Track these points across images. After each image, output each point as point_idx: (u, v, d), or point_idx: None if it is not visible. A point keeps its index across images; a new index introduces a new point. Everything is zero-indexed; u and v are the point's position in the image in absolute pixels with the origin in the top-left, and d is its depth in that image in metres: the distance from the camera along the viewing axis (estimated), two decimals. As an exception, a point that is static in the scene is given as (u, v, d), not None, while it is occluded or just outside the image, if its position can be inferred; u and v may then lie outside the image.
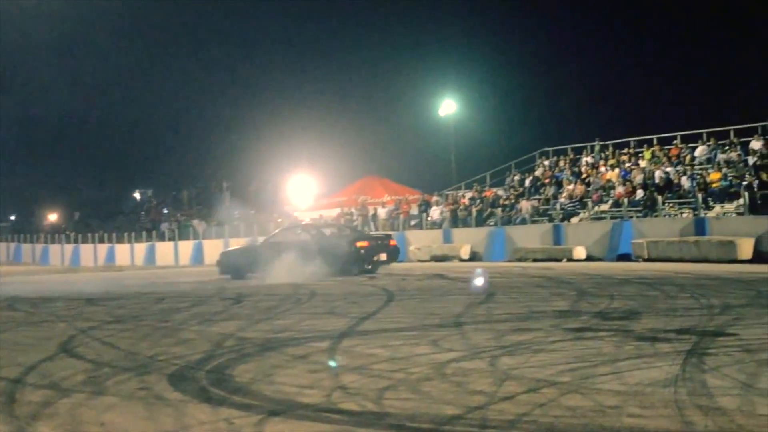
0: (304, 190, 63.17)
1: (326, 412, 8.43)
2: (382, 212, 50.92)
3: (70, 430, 8.08)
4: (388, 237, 34.75)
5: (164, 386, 9.94)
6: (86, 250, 56.39)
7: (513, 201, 47.32)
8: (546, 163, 52.27)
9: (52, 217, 78.11)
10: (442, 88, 62.62)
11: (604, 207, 43.11)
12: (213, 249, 49.10)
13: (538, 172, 51.39)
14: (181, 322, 16.71)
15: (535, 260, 37.81)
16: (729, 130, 44.67)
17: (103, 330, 15.89)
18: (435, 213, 47.99)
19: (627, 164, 46.96)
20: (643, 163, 46.14)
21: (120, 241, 55.10)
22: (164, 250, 52.09)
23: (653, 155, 46.70)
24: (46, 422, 8.40)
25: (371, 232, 39.59)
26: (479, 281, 23.47)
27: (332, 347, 12.60)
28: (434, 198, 51.26)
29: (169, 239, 53.77)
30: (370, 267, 31.48)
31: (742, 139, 43.36)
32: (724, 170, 40.76)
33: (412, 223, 48.16)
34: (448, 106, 61.00)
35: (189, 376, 10.52)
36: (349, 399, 8.97)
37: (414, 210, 50.45)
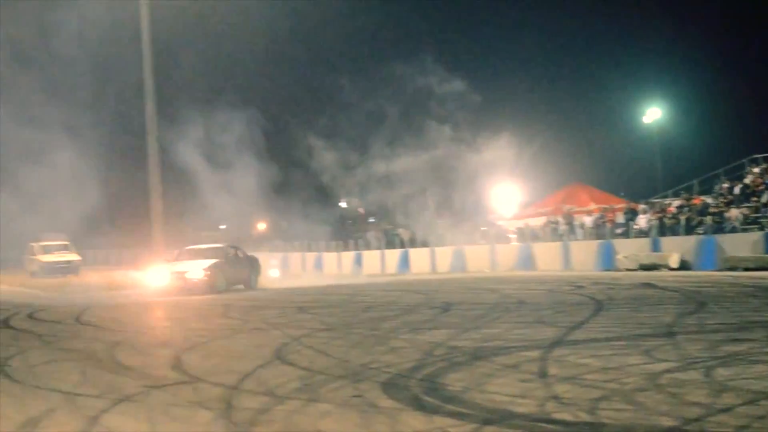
0: (508, 198, 62.95)
1: (540, 422, 8.40)
2: (587, 221, 50.36)
3: (288, 437, 8.24)
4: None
5: (377, 394, 10.05)
6: (294, 258, 57.39)
7: (722, 209, 46.16)
8: (756, 170, 50.78)
9: (261, 226, 79.70)
10: (647, 95, 61.71)
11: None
12: (419, 257, 49.45)
13: (747, 180, 49.96)
14: (391, 330, 16.86)
15: (746, 269, 36.77)
16: None
17: (314, 337, 16.15)
18: (642, 221, 47.17)
19: None
20: None
21: (328, 249, 55.92)
22: (371, 258, 52.61)
23: None
24: (264, 428, 8.59)
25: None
26: None
27: (543, 357, 12.52)
28: (641, 206, 50.40)
29: (376, 248, 54.29)
30: None
31: None
32: None
33: (618, 231, 47.50)
34: (653, 113, 59.98)
35: (401, 385, 10.61)
36: (562, 409, 8.92)
37: (620, 218, 49.73)
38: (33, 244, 55.05)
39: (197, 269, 33.45)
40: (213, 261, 34.24)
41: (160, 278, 34.19)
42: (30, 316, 23.79)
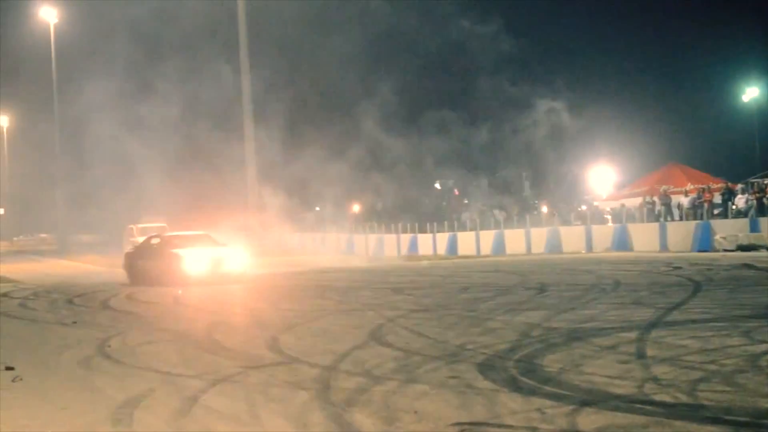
0: (604, 179, 62.49)
1: (639, 403, 8.33)
2: (684, 201, 49.77)
3: (386, 417, 8.26)
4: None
5: (474, 375, 10.05)
6: (389, 240, 57.45)
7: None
8: None
9: (356, 207, 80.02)
10: (746, 74, 60.57)
11: None
12: (514, 238, 49.21)
13: None
14: (487, 312, 16.82)
15: None
16: None
17: (410, 318, 16.18)
18: (740, 201, 46.53)
19: None
20: None
21: (422, 231, 55.89)
22: (466, 239, 52.49)
23: None
24: (361, 409, 8.63)
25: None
26: None
27: (640, 338, 12.42)
28: (739, 186, 49.73)
29: (471, 229, 54.15)
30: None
31: None
32: None
33: (716, 212, 46.87)
34: (752, 92, 59.04)
35: (498, 366, 10.59)
36: (661, 390, 8.83)
37: (717, 199, 49.07)
38: (132, 226, 55.81)
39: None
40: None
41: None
42: (128, 297, 24.19)
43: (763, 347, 11.20)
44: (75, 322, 18.15)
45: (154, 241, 32.45)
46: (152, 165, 51.30)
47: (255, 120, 48.05)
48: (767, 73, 60.85)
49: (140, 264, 31.11)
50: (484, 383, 9.56)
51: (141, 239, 46.12)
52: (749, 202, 45.43)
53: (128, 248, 38.30)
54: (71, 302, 23.32)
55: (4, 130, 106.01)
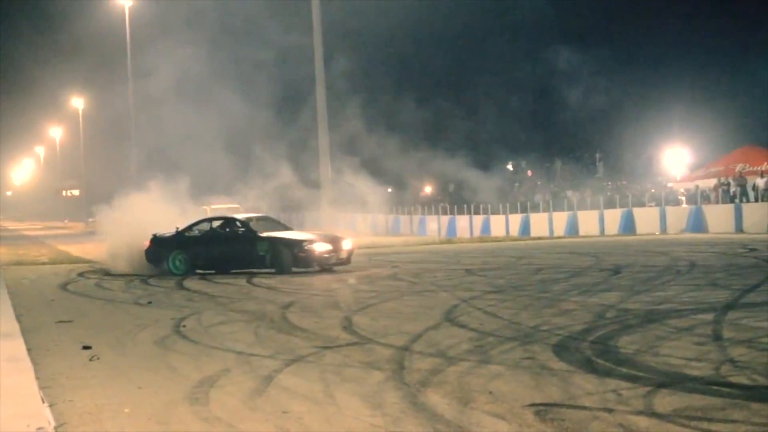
0: (679, 160, 61.87)
1: (716, 385, 8.26)
2: (760, 182, 49.20)
3: (460, 398, 8.26)
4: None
5: (549, 356, 10.03)
6: (462, 221, 57.37)
7: None
8: None
9: (428, 188, 79.96)
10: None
11: None
12: (587, 220, 48.93)
13: None
14: (561, 293, 16.78)
15: None
16: None
17: (483, 299, 16.16)
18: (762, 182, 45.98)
19: None
20: None
21: (495, 212, 55.74)
22: (539, 221, 52.29)
23: None
24: (436, 389, 8.65)
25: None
26: None
27: (717, 320, 12.31)
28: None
29: (544, 210, 53.92)
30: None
31: None
32: None
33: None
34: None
35: (573, 347, 10.56)
36: (738, 372, 8.76)
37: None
38: (205, 207, 56.13)
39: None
40: None
41: None
42: (203, 278, 24.39)
43: None
44: (150, 302, 18.36)
45: (217, 223, 28.38)
46: (223, 144, 51.57)
47: (329, 101, 48.07)
48: None
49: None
50: (558, 364, 9.54)
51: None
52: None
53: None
54: (146, 282, 23.60)
55: (80, 112, 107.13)
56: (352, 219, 59.59)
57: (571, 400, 7.99)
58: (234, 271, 26.09)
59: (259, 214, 31.37)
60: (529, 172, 79.79)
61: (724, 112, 61.35)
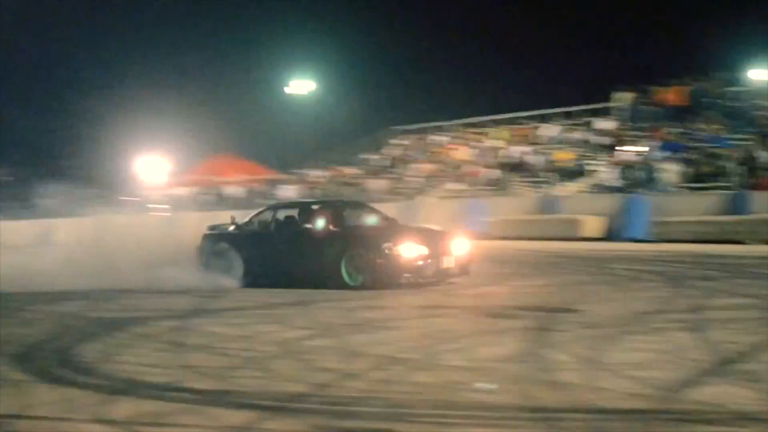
0: (156, 168, 62.21)
1: (172, 390, 8.42)
2: (234, 190, 50.76)
3: None
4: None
5: (10, 367, 9.77)
6: None
7: (365, 179, 47.64)
8: (397, 141, 52.67)
9: None
10: (294, 66, 62.12)
11: (458, 186, 43.45)
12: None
13: (389, 151, 51.79)
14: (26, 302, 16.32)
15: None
16: (569, 111, 45.79)
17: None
18: (287, 191, 47.99)
19: (479, 143, 47.55)
20: (495, 143, 46.66)
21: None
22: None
23: (504, 135, 47.32)
24: None
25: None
26: None
27: (179, 326, 12.56)
28: (285, 176, 51.41)
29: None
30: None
31: (588, 119, 44.20)
32: (573, 149, 41.60)
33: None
34: (300, 85, 60.77)
35: (35, 357, 10.38)
36: (195, 378, 8.97)
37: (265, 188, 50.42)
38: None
39: None
40: None
41: None
42: None
43: (298, 333, 11.66)
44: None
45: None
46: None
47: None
48: (317, 65, 62.66)
49: None
50: (19, 375, 9.34)
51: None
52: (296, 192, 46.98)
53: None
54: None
55: None
56: None
57: (28, 410, 7.87)
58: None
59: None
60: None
61: (200, 122, 62.67)
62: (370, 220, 19.76)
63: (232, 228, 20.34)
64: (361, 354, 9.92)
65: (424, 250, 17.29)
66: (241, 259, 19.11)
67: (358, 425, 7.16)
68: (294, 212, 19.71)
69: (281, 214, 19.87)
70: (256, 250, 19.22)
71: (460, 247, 18.15)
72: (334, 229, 18.40)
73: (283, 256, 18.74)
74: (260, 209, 21.30)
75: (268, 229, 19.62)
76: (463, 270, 18.00)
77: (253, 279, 18.66)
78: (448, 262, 17.68)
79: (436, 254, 17.45)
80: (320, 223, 18.44)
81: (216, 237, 20.41)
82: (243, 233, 19.97)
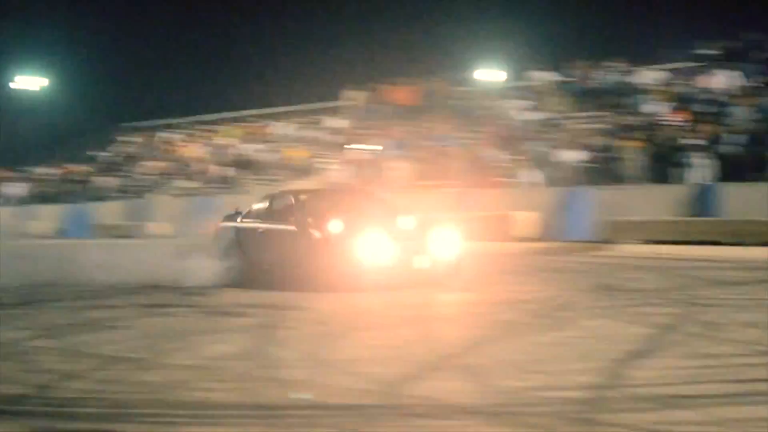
0: None
1: None
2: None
3: None
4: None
5: None
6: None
7: (93, 177, 47.03)
8: (126, 139, 52.16)
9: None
10: (23, 61, 60.27)
11: (190, 184, 43.23)
12: None
13: (119, 148, 51.26)
14: None
15: (119, 237, 37.24)
16: (301, 109, 46.42)
17: None
18: (12, 189, 46.87)
19: (211, 141, 47.49)
20: (226, 141, 46.64)
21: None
22: None
23: (236, 132, 47.38)
24: None
25: None
26: None
27: None
28: (10, 174, 50.19)
29: None
30: None
31: (320, 117, 44.74)
32: (307, 147, 41.97)
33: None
34: (28, 81, 59.06)
35: None
36: None
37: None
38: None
39: None
40: None
41: None
42: None
43: (22, 334, 11.40)
44: None
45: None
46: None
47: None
48: (48, 62, 60.91)
49: None
50: None
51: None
52: (23, 190, 45.91)
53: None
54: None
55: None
56: None
57: None
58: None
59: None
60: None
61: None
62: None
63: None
64: (85, 354, 9.77)
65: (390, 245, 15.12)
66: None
67: (80, 427, 7.04)
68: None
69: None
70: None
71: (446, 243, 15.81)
72: None
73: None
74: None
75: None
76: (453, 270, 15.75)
77: None
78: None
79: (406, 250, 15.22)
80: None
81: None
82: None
